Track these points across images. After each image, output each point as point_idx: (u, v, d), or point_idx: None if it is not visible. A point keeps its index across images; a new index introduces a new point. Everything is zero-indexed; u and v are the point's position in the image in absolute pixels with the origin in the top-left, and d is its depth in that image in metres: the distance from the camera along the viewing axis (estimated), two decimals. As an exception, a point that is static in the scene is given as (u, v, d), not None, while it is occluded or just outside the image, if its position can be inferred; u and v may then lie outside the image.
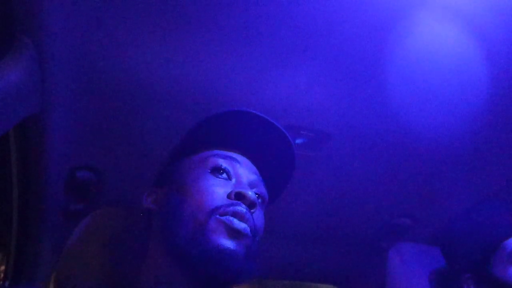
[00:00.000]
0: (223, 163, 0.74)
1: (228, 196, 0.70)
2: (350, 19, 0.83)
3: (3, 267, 1.49)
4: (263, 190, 0.77)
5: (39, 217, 1.23)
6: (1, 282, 1.38)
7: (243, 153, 0.78)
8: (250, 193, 0.69)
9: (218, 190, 0.70)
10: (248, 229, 0.67)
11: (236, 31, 0.85)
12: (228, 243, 0.65)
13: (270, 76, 0.94)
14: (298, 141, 1.11)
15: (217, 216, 0.66)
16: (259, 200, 0.75)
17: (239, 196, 0.69)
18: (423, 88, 0.99)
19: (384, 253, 1.34)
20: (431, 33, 0.86)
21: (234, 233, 0.66)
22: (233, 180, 0.73)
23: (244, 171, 0.75)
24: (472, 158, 1.19)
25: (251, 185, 0.75)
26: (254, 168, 0.78)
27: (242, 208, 0.68)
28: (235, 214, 0.67)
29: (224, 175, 0.73)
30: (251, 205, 0.69)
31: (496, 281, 1.01)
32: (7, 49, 0.78)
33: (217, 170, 0.73)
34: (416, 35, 0.86)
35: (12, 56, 0.78)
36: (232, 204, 0.68)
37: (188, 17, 0.81)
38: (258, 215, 0.72)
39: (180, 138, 0.80)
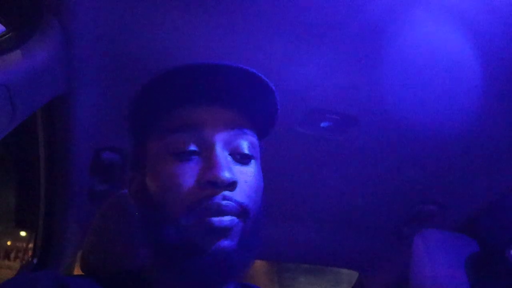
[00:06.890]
0: (185, 146, 0.61)
1: (199, 186, 0.59)
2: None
3: (31, 245, 1.53)
4: (248, 139, 0.64)
5: (65, 197, 1.26)
6: (30, 259, 1.42)
7: (215, 100, 0.63)
8: (225, 175, 0.58)
9: (185, 181, 0.59)
10: (232, 218, 0.58)
11: (261, 14, 0.83)
12: (215, 243, 0.57)
13: (295, 58, 0.93)
14: (323, 124, 1.10)
15: (193, 216, 0.57)
16: (247, 159, 0.63)
17: (212, 184, 0.58)
18: (456, 71, 0.95)
19: (408, 239, 1.32)
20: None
21: (217, 232, 0.57)
22: (204, 154, 0.61)
23: (216, 135, 0.62)
24: (503, 146, 1.16)
25: (228, 143, 0.62)
26: (230, 114, 0.64)
27: (216, 201, 0.57)
28: (210, 212, 0.57)
29: (190, 155, 0.61)
30: (229, 186, 0.58)
31: None
32: (34, 29, 0.78)
33: (180, 155, 0.61)
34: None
35: (39, 37, 0.78)
36: (204, 199, 0.57)
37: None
38: (245, 186, 0.61)
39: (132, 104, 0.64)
